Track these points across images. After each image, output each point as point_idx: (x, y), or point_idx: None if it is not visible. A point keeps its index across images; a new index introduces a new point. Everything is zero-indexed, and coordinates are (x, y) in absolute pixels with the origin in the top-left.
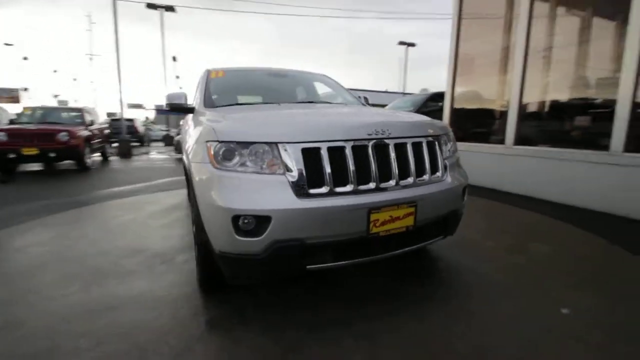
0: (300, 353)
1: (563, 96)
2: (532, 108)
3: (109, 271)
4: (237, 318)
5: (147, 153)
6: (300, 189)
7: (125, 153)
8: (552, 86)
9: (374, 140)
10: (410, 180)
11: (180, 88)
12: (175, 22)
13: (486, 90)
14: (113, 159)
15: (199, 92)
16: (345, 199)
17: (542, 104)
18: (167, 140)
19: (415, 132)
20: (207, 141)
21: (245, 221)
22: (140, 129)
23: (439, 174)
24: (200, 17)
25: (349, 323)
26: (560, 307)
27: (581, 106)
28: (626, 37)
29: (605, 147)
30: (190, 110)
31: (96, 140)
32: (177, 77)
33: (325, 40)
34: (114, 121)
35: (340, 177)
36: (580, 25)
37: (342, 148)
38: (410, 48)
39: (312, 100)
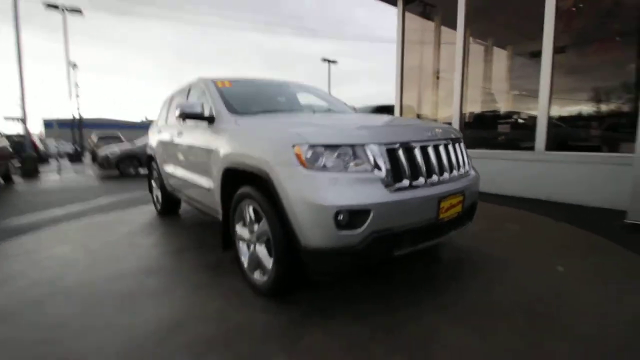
0: (391, 333)
1: (496, 110)
2: (471, 119)
3: None
4: (321, 313)
5: (56, 171)
6: (388, 184)
7: (31, 172)
8: (487, 105)
9: (433, 142)
10: (456, 173)
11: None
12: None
13: (430, 104)
14: (17, 179)
15: (213, 101)
16: (422, 190)
17: (480, 116)
18: (75, 157)
19: (449, 135)
20: (294, 145)
21: (347, 216)
22: (40, 145)
23: (468, 168)
24: (106, 22)
25: (419, 302)
26: (557, 266)
27: (509, 117)
28: (540, 71)
29: (532, 148)
30: (207, 119)
31: None
32: (77, 85)
33: (242, 52)
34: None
35: (413, 172)
36: (509, 61)
37: (413, 148)
38: (319, 65)
39: (330, 108)
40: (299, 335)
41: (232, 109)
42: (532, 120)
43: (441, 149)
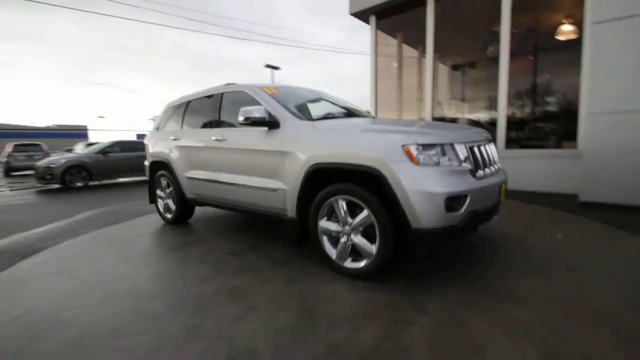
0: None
1: (462, 115)
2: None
3: None
4: (416, 289)
5: None
6: (473, 174)
7: None
8: (455, 110)
9: (484, 142)
10: (495, 167)
11: None
12: None
13: (397, 110)
14: None
15: (272, 108)
16: (490, 179)
17: (452, 120)
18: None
19: (489, 137)
20: (404, 145)
21: (453, 200)
22: None
23: (500, 165)
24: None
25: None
26: (557, 235)
27: (473, 120)
28: (499, 82)
29: None
30: (268, 124)
31: None
32: None
33: (165, 52)
34: None
35: (480, 165)
36: (471, 75)
37: (479, 146)
38: (252, 69)
39: (362, 114)
40: (416, 305)
41: (296, 115)
42: (493, 123)
43: (488, 147)
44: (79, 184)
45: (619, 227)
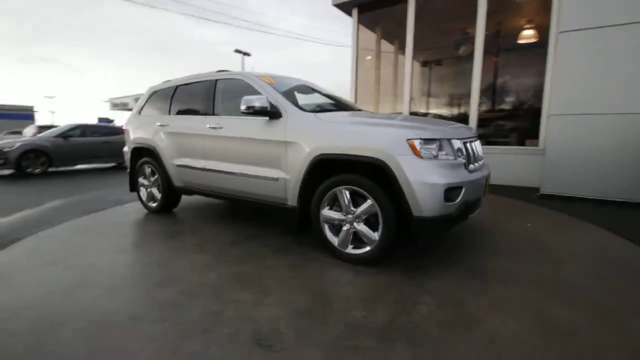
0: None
1: (435, 110)
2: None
3: None
4: (416, 272)
5: None
6: (466, 167)
7: None
8: (427, 106)
9: (472, 138)
10: (480, 162)
11: None
12: None
13: (374, 103)
14: None
15: (273, 97)
16: (479, 173)
17: (424, 115)
18: None
19: (475, 134)
20: (408, 139)
21: (450, 191)
22: None
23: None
24: None
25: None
26: (526, 224)
27: (442, 116)
28: (472, 82)
29: None
30: (269, 113)
31: None
32: None
33: (114, 28)
34: None
35: (471, 159)
36: (447, 75)
37: (469, 142)
38: (216, 53)
39: (354, 107)
40: (417, 282)
41: (298, 106)
42: (465, 120)
43: (475, 143)
44: (36, 171)
45: (575, 215)
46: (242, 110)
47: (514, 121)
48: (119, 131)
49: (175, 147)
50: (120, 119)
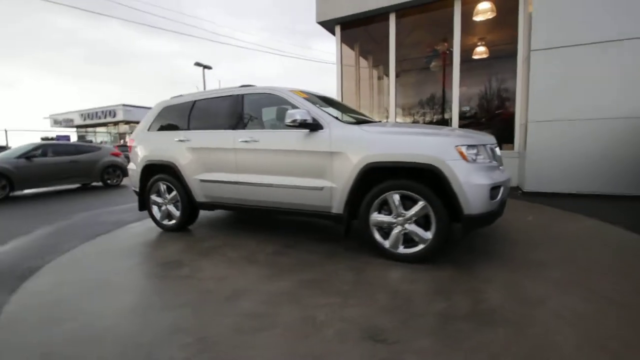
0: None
1: (413, 119)
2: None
3: None
4: (468, 270)
5: None
6: (499, 169)
7: None
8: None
9: (495, 144)
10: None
11: None
12: None
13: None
14: None
15: (314, 111)
16: (506, 174)
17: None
18: None
19: (496, 141)
20: (456, 146)
21: (494, 190)
22: None
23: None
24: None
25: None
26: (528, 217)
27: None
28: (452, 90)
29: None
30: (310, 126)
31: None
32: None
33: (58, 43)
34: None
35: (499, 162)
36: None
37: (495, 148)
38: (162, 65)
39: (373, 120)
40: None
41: (338, 119)
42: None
43: (497, 149)
44: None
45: (563, 208)
46: (287, 124)
47: (490, 128)
48: (89, 149)
49: (199, 162)
50: (73, 136)
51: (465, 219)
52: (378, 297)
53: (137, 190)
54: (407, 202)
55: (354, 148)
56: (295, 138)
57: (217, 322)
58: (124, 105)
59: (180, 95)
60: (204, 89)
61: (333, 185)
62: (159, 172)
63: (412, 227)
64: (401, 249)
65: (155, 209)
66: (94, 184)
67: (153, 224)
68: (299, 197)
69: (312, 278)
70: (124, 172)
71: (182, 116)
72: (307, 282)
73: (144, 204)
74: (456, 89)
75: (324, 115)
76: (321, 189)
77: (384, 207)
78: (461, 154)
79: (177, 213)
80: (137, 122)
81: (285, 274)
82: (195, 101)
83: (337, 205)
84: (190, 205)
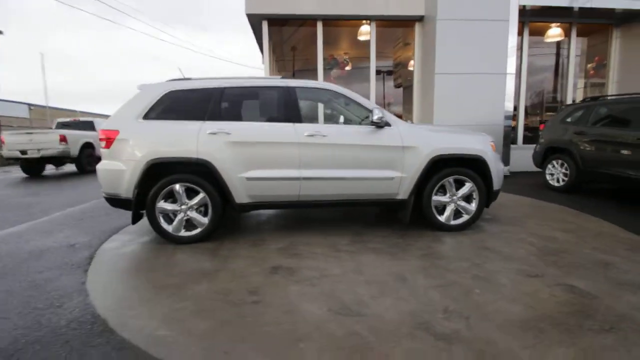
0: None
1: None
2: None
3: None
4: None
5: None
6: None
7: None
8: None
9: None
10: None
11: None
12: None
13: None
14: None
15: (378, 110)
16: None
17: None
18: None
19: None
20: (491, 142)
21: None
22: None
23: None
24: None
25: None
26: None
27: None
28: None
29: None
30: (376, 123)
31: None
32: None
33: None
34: None
35: None
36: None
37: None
38: None
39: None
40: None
41: (397, 117)
42: None
43: None
44: None
45: None
46: (373, 120)
47: None
48: None
49: (245, 158)
50: None
51: (494, 193)
52: (486, 265)
53: (132, 197)
54: (456, 184)
55: (425, 143)
56: (365, 133)
57: (329, 322)
58: None
59: (189, 79)
60: None
61: (403, 175)
62: (173, 171)
63: (461, 203)
64: (452, 221)
65: (162, 218)
66: None
67: (140, 238)
68: (368, 187)
69: (403, 267)
70: None
71: (203, 104)
72: (399, 272)
73: (141, 216)
74: (372, 95)
75: (389, 114)
76: (392, 178)
77: (440, 190)
78: (492, 147)
79: (203, 220)
80: None
81: (370, 267)
82: (224, 88)
83: (403, 192)
84: (224, 209)
